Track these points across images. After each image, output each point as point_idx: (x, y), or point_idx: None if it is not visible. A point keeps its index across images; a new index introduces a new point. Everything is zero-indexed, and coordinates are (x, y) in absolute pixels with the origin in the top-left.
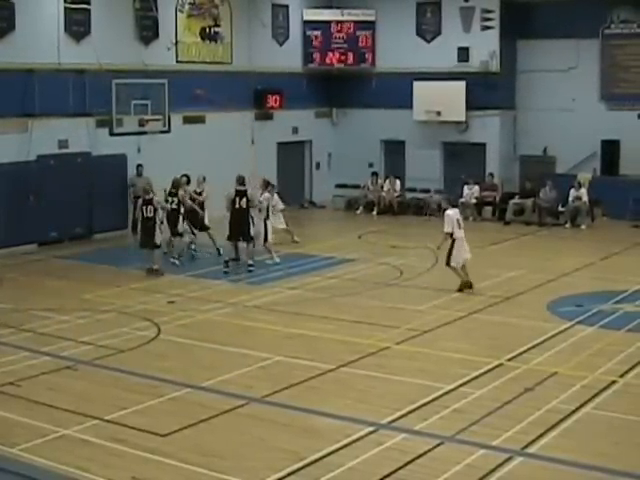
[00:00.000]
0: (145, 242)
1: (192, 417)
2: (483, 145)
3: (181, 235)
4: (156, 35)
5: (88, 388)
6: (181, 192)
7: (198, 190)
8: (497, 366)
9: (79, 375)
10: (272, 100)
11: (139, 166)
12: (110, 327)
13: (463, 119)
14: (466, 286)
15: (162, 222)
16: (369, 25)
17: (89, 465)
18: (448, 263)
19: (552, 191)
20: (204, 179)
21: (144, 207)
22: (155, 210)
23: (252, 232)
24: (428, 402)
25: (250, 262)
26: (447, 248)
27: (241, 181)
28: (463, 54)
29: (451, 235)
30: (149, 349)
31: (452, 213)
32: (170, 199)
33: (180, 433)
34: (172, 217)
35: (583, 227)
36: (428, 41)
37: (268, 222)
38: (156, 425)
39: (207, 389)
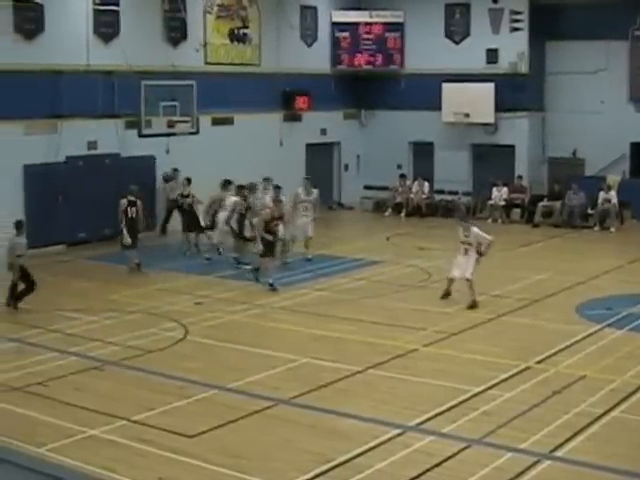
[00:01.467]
0: (134, 243)
1: (219, 418)
2: (512, 147)
3: (249, 240)
4: (184, 36)
5: (115, 388)
6: (250, 197)
7: (185, 193)
8: (525, 369)
9: (106, 375)
10: (300, 101)
11: (175, 170)
12: (137, 328)
13: (492, 121)
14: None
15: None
16: (397, 26)
17: (115, 465)
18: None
19: (577, 194)
20: (189, 181)
21: (129, 208)
22: (138, 212)
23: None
24: (456, 404)
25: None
26: (475, 261)
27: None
28: (492, 55)
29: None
30: (176, 350)
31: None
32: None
33: (207, 434)
34: (242, 222)
35: (612, 230)
36: (457, 42)
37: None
38: (183, 426)
39: (234, 390)
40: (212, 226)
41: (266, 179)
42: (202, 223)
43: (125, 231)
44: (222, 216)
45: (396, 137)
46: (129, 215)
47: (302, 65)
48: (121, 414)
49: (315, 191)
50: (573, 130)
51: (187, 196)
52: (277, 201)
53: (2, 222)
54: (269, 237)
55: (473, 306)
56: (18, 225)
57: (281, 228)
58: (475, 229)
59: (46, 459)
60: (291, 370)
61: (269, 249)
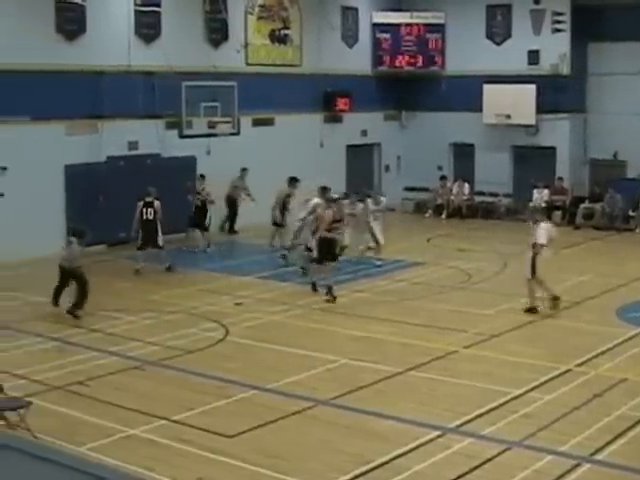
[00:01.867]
0: (146, 244)
1: (258, 418)
2: (553, 149)
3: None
4: (225, 37)
5: (155, 388)
6: (314, 201)
7: (199, 189)
8: (566, 371)
9: (146, 375)
10: (341, 103)
11: (244, 169)
12: (177, 328)
13: (533, 122)
14: (557, 299)
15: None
16: (439, 28)
17: (155, 465)
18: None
19: (613, 197)
20: (203, 178)
21: (144, 209)
22: (155, 213)
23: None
24: (496, 407)
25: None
26: (530, 260)
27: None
28: (533, 57)
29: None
30: (216, 350)
31: (548, 226)
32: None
33: (246, 434)
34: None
35: None
36: (498, 44)
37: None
38: (222, 426)
39: (273, 391)
40: (283, 224)
41: (345, 194)
42: (206, 222)
43: (139, 232)
44: (298, 216)
45: (437, 138)
46: (144, 217)
47: (343, 66)
48: (161, 414)
49: (383, 199)
50: (615, 132)
51: (200, 192)
52: (336, 203)
53: (41, 220)
54: (328, 235)
55: (529, 310)
56: (73, 232)
57: (344, 232)
58: (540, 224)
59: (86, 458)
60: (330, 371)
61: (324, 255)
